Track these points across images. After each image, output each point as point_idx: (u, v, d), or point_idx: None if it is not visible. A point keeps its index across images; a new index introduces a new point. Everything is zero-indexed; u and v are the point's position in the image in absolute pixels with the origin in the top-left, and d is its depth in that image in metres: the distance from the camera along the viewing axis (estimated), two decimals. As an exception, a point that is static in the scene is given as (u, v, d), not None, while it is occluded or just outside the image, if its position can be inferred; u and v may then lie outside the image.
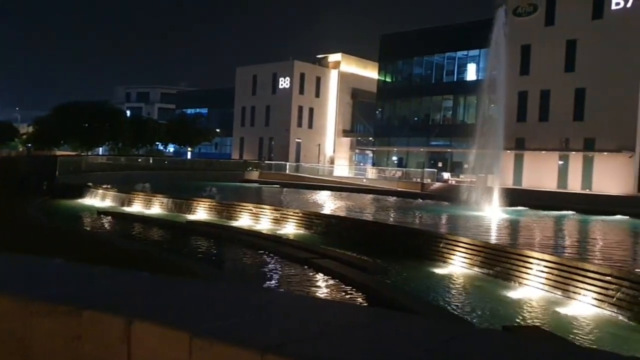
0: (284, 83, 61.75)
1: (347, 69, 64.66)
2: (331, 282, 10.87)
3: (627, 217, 24.70)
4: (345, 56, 64.96)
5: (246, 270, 12.60)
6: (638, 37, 37.75)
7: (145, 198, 24.52)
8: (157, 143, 64.41)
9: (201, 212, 21.57)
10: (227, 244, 15.55)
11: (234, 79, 68.30)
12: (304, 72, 62.08)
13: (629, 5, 37.99)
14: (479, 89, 28.27)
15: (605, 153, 38.57)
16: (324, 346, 1.23)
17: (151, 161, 52.34)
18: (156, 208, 23.15)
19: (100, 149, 64.58)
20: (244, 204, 21.13)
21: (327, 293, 10.33)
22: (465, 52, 49.76)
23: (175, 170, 49.34)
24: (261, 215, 19.74)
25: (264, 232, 17.41)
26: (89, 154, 54.55)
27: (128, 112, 73.19)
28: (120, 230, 18.53)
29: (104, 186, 27.76)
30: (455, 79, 50.75)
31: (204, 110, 76.54)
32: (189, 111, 75.02)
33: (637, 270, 10.37)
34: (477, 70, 48.28)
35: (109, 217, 20.89)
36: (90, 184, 28.75)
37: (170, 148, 72.73)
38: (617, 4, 38.50)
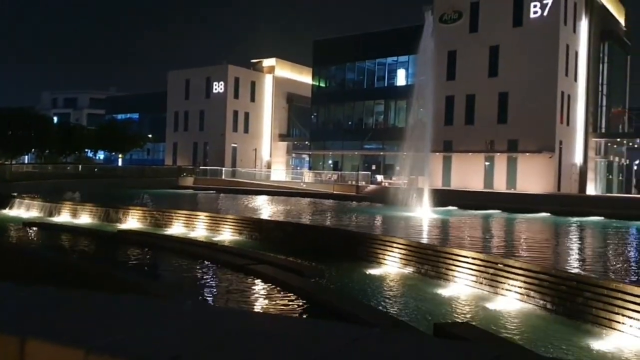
0: (218, 87, 61.09)
1: (281, 73, 64.80)
2: (268, 287, 10.87)
3: (549, 214, 26.14)
4: (279, 61, 65.07)
5: (180, 280, 12.38)
6: (554, 43, 40.07)
7: (74, 207, 23.60)
8: (86, 150, 62.17)
9: (133, 221, 20.99)
10: (161, 252, 15.21)
11: (166, 83, 66.92)
12: (239, 77, 61.69)
13: (545, 13, 40.24)
14: (408, 94, 29.12)
15: (527, 154, 40.58)
16: (219, 356, 1.26)
17: (80, 169, 50.47)
18: (86, 217, 22.34)
19: (26, 157, 61.60)
20: (178, 211, 20.74)
21: (263, 299, 10.33)
22: (395, 58, 51.06)
23: (106, 178, 47.74)
24: (196, 223, 19.45)
25: (199, 239, 17.15)
26: (14, 162, 51.93)
27: (55, 119, 70.22)
28: (48, 241, 17.74)
29: (30, 196, 26.49)
30: (386, 84, 51.97)
31: (135, 116, 74.59)
32: (119, 117, 72.95)
33: (559, 266, 10.99)
34: (407, 76, 49.64)
35: (36, 228, 19.96)
36: (15, 193, 27.35)
37: (100, 155, 70.34)
38: (535, 12, 40.68)
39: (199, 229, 19.03)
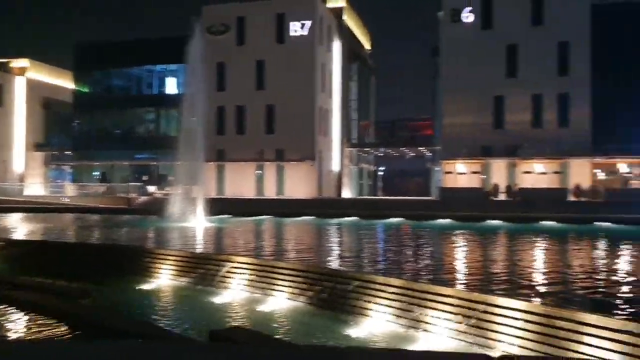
0: (-46, 90, 52.55)
1: (36, 76, 58.49)
2: (26, 314, 9.88)
3: (313, 217, 28.54)
4: (33, 62, 58.61)
5: None
6: (312, 61, 43.87)
7: None
8: None
9: None
10: None
11: None
12: (-19, 79, 53.91)
13: (304, 33, 43.80)
14: (180, 103, 28.94)
15: (292, 162, 43.65)
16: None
17: None
18: None
19: None
20: None
21: (22, 328, 9.37)
22: (164, 66, 50.24)
23: None
24: None
25: None
26: None
27: None
28: None
29: None
30: (156, 92, 50.78)
31: None
32: None
33: (319, 263, 12.11)
34: (178, 84, 49.25)
35: None
36: None
37: None
38: (295, 31, 44.04)
39: None
